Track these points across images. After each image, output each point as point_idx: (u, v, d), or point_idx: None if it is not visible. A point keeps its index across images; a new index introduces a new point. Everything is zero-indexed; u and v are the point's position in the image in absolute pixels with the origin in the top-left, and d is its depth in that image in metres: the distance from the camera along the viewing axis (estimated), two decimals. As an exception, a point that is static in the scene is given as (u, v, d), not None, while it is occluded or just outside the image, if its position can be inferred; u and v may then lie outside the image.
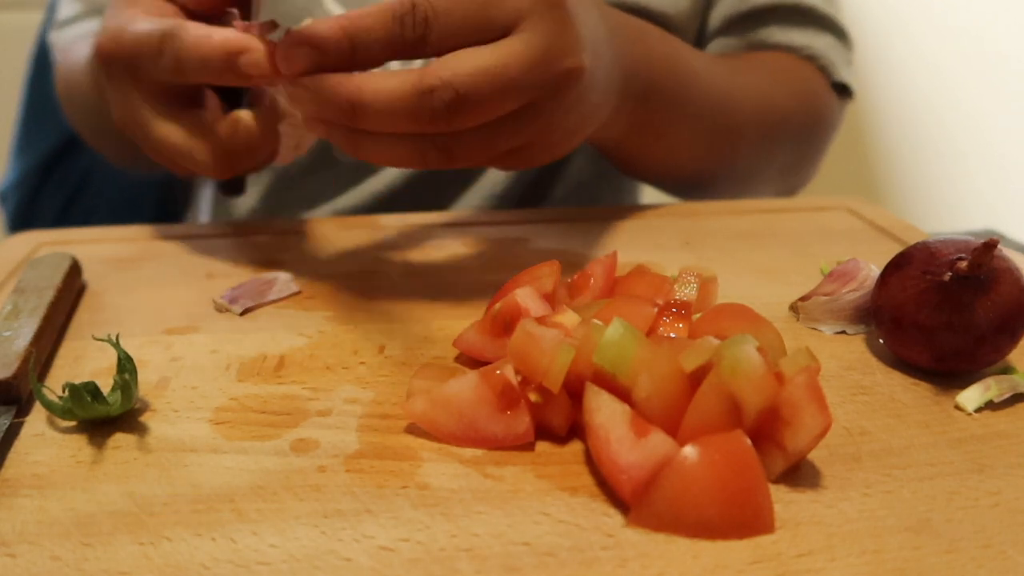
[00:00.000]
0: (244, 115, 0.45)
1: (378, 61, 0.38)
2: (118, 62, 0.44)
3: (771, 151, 0.66)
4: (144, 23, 0.43)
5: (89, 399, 0.33)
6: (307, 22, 0.38)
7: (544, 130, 0.42)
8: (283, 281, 0.47)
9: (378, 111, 0.37)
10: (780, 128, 0.64)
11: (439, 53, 0.38)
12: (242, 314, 0.44)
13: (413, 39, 0.37)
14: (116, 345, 0.35)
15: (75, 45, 0.66)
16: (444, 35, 0.37)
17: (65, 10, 0.72)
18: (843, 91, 0.70)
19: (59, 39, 0.71)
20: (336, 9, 0.64)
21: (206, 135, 0.44)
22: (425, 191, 0.68)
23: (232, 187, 0.53)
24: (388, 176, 0.68)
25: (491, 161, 0.43)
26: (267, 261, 0.51)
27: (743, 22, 0.68)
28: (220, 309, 0.45)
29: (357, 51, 0.37)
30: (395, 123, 0.38)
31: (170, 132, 0.44)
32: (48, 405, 0.34)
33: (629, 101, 0.50)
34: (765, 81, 0.63)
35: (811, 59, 0.68)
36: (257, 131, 0.45)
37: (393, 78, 0.37)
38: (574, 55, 0.40)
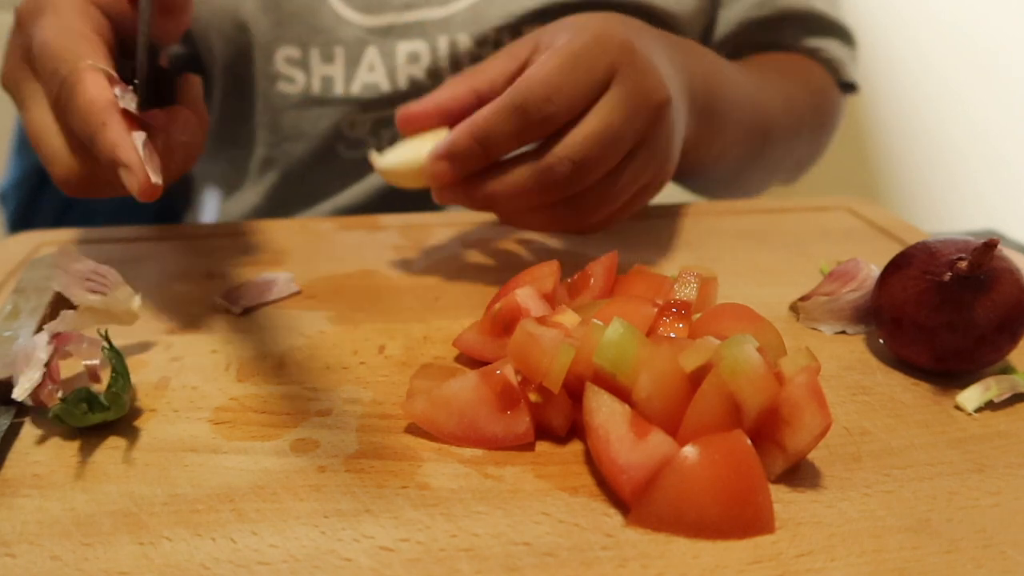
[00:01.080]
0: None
1: (510, 149, 0.43)
2: (19, 30, 0.42)
3: (793, 146, 0.69)
4: (55, 44, 0.39)
5: (84, 408, 0.33)
6: (441, 135, 0.44)
7: (656, 163, 0.46)
8: (283, 281, 0.47)
9: (512, 198, 0.44)
10: (800, 125, 0.68)
11: (560, 126, 0.42)
12: (242, 314, 0.44)
13: (539, 122, 0.42)
14: (110, 351, 0.35)
15: None
16: (563, 109, 0.42)
17: None
18: (848, 88, 0.74)
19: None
20: (342, 9, 0.63)
21: (76, 151, 0.41)
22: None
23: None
24: None
25: (622, 208, 0.47)
26: (267, 261, 0.51)
27: (757, 29, 0.69)
28: (220, 309, 0.45)
29: (488, 149, 0.42)
30: (528, 200, 0.44)
31: (45, 122, 0.41)
32: (41, 414, 0.34)
33: (693, 114, 0.52)
34: (787, 83, 0.66)
35: (822, 61, 0.71)
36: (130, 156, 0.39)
37: (516, 170, 0.43)
38: (660, 90, 0.44)
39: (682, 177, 0.65)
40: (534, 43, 0.45)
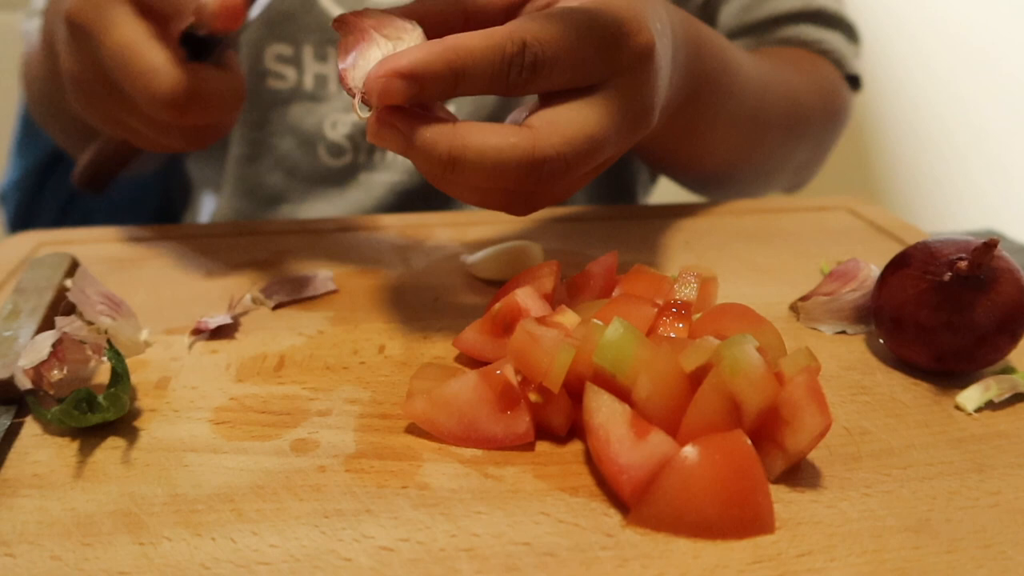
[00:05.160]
0: (215, 70, 0.43)
1: (475, 93, 0.36)
2: None
3: (794, 147, 0.67)
4: None
5: (83, 408, 0.33)
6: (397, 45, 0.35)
7: (605, 165, 0.41)
8: (321, 279, 0.47)
9: (480, 171, 0.35)
10: (804, 126, 0.66)
11: (536, 92, 0.37)
12: (275, 308, 0.45)
13: (518, 82, 0.35)
14: (110, 351, 0.35)
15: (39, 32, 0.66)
16: (547, 80, 0.36)
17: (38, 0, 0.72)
18: (853, 82, 0.72)
19: (31, 26, 0.71)
20: (334, 9, 0.64)
21: (177, 63, 0.41)
22: (431, 191, 0.68)
23: (95, 180, 0.53)
24: (394, 176, 0.67)
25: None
26: (268, 261, 0.51)
27: (759, 26, 0.68)
28: (257, 302, 0.45)
29: (459, 86, 0.34)
30: (495, 182, 0.35)
31: (143, 40, 0.40)
32: (40, 415, 0.34)
33: (675, 104, 0.49)
34: (793, 79, 0.64)
35: (824, 53, 0.69)
36: (224, 89, 0.43)
37: (499, 136, 0.35)
38: (653, 111, 0.40)
39: (656, 163, 0.63)
40: None
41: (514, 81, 0.35)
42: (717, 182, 0.67)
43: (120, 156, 0.59)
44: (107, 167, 0.60)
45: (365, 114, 0.35)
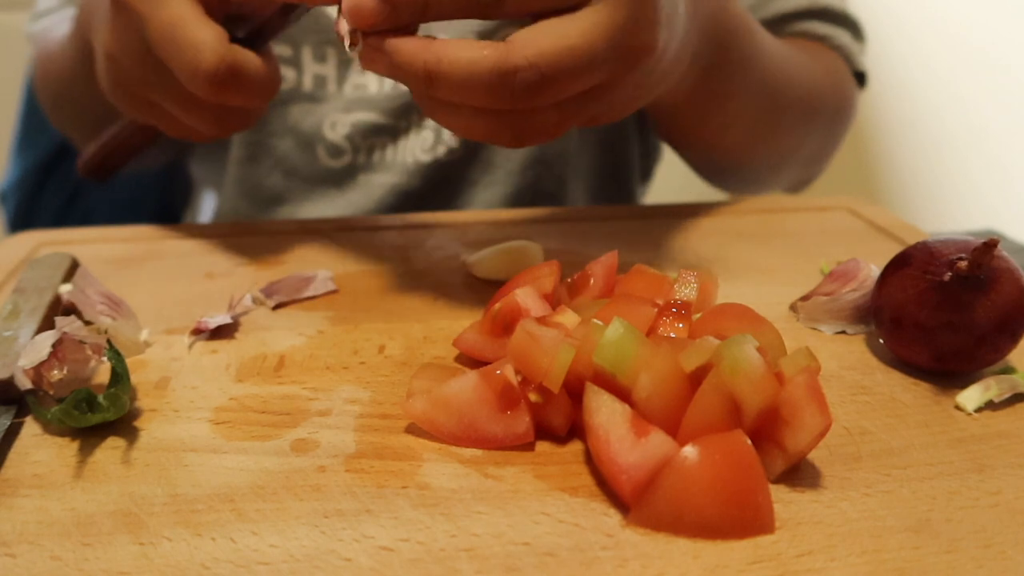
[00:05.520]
0: (255, 55, 0.43)
1: (448, 17, 0.37)
2: None
3: (806, 132, 0.66)
4: None
5: (83, 408, 0.33)
6: None
7: (611, 102, 0.41)
8: (321, 279, 0.47)
9: (454, 83, 0.35)
10: (818, 110, 0.65)
11: (514, 16, 0.37)
12: (275, 308, 0.45)
13: (489, 2, 0.35)
14: (110, 351, 0.35)
15: (57, 27, 0.66)
16: (522, 1, 0.36)
17: (44, 1, 0.72)
18: (859, 81, 0.72)
19: (37, 27, 0.71)
20: (331, 9, 0.64)
21: (226, 40, 0.42)
22: (431, 192, 0.68)
23: (101, 170, 0.53)
24: (393, 177, 0.67)
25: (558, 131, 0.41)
26: (268, 261, 0.51)
27: (767, 23, 0.68)
28: (257, 302, 0.45)
29: (429, 7, 0.35)
30: (471, 97, 0.36)
31: (193, 15, 0.42)
32: (40, 415, 0.34)
33: (699, 66, 0.49)
34: (809, 63, 0.64)
35: (834, 48, 0.69)
36: (267, 73, 0.44)
37: (473, 49, 0.35)
38: (650, 31, 0.38)
39: (673, 136, 0.63)
40: None
41: (486, 2, 0.35)
42: (732, 166, 0.66)
43: (133, 145, 0.59)
44: (116, 156, 0.60)
45: (355, 53, 0.38)
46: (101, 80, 0.49)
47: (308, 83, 0.65)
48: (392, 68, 0.37)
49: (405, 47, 0.36)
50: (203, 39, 0.41)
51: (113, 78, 0.48)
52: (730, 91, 0.55)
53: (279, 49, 0.65)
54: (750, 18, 0.54)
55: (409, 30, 0.37)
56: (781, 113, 0.61)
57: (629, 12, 0.37)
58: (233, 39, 0.44)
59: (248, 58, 0.43)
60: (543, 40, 0.35)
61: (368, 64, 0.38)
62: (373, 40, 0.37)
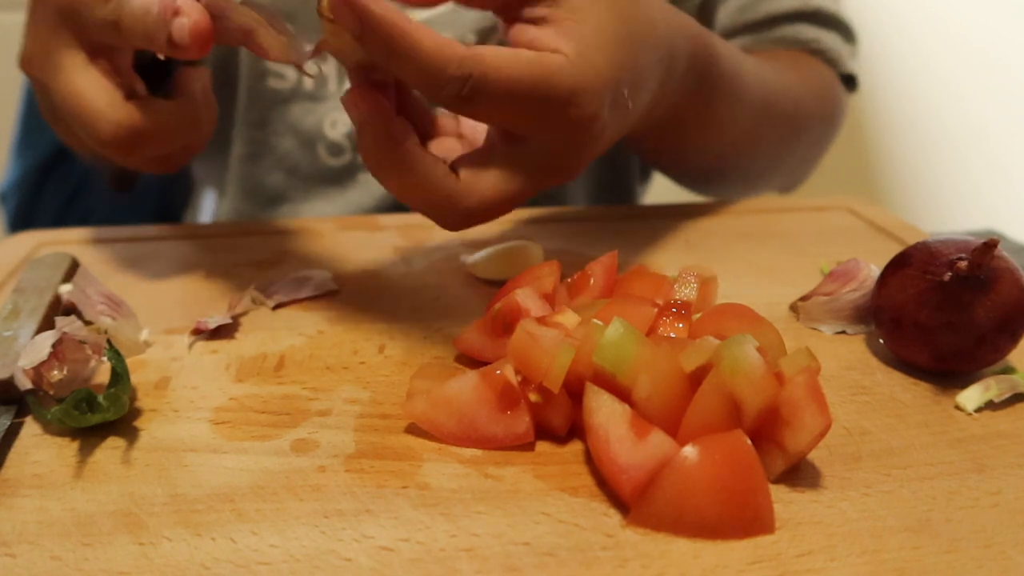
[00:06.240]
0: (164, 103, 0.43)
1: (408, 83, 0.38)
2: (55, 15, 0.42)
3: (789, 148, 0.67)
4: None
5: (83, 408, 0.33)
6: None
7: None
8: (319, 279, 0.47)
9: (406, 197, 0.37)
10: (802, 129, 0.66)
11: (465, 116, 0.37)
12: (275, 308, 0.45)
13: (450, 101, 0.36)
14: (110, 351, 0.35)
15: None
16: (479, 112, 0.37)
17: None
18: (849, 83, 0.72)
19: None
20: None
21: (119, 105, 0.41)
22: None
23: (123, 180, 0.53)
24: None
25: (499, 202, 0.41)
26: (268, 261, 0.51)
27: (756, 25, 0.68)
28: (257, 302, 0.45)
29: (391, 59, 0.35)
30: (420, 207, 0.38)
31: (87, 85, 0.41)
32: (40, 415, 0.34)
33: (674, 110, 0.49)
34: (794, 85, 0.64)
35: (820, 52, 0.69)
36: (173, 122, 0.43)
37: (429, 176, 0.37)
38: (574, 172, 0.40)
39: (652, 157, 0.63)
40: None
41: (446, 98, 0.36)
42: (711, 180, 0.67)
43: None
44: (128, 170, 0.61)
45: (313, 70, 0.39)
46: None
47: (309, 82, 0.66)
48: (364, 115, 0.37)
49: (374, 154, 0.37)
50: (97, 109, 0.41)
51: (56, 130, 0.49)
52: (706, 128, 0.55)
53: None
54: (734, 63, 0.54)
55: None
56: (760, 138, 0.62)
57: (566, 161, 0.39)
58: (150, 69, 0.43)
59: (152, 110, 0.42)
60: (487, 191, 0.38)
61: (330, 35, 0.37)
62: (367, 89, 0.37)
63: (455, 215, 0.38)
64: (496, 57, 0.35)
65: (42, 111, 0.50)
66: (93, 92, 0.41)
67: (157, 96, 0.43)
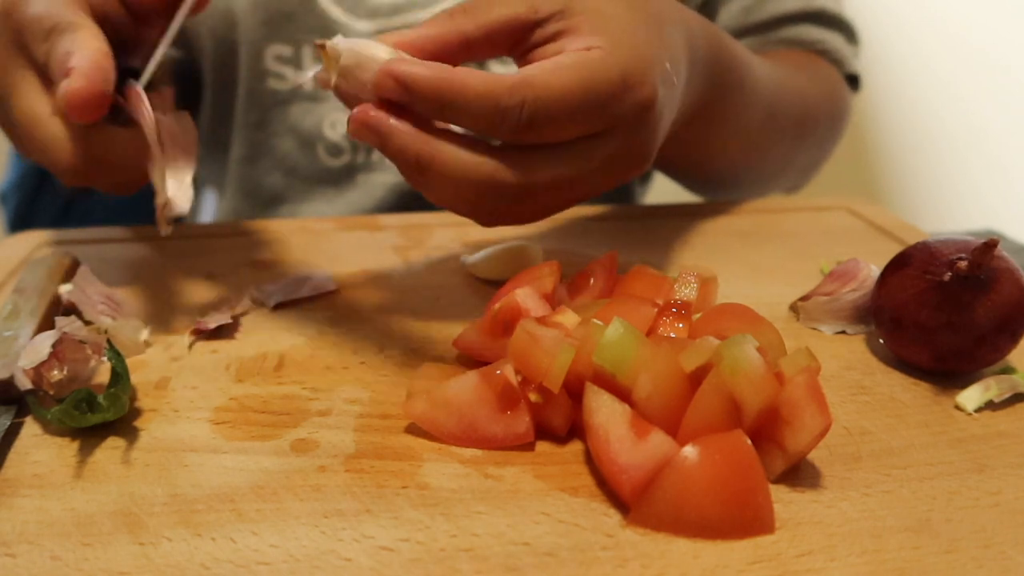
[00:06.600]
0: (120, 131, 0.41)
1: (468, 128, 0.36)
2: (4, 20, 0.41)
3: (798, 151, 0.67)
4: (49, 10, 0.40)
5: (83, 408, 0.33)
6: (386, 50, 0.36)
7: (594, 187, 0.40)
8: (321, 279, 0.47)
9: (445, 181, 0.36)
10: (811, 131, 0.66)
11: (530, 142, 0.37)
12: (275, 308, 0.45)
13: (513, 132, 0.35)
14: (110, 351, 0.35)
15: None
16: (543, 134, 0.36)
17: None
18: (853, 83, 0.72)
19: None
20: (333, 10, 0.64)
21: (74, 135, 0.40)
22: None
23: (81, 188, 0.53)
24: (393, 176, 0.67)
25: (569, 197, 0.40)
26: (268, 261, 0.51)
27: (760, 26, 0.68)
28: (256, 302, 0.45)
29: (444, 112, 0.35)
30: (458, 193, 0.36)
31: (42, 112, 0.40)
32: (40, 415, 0.34)
33: (692, 111, 0.49)
34: (804, 86, 0.64)
35: (824, 53, 0.69)
36: (130, 150, 0.41)
37: (468, 155, 0.35)
38: (648, 159, 0.39)
39: (662, 164, 0.63)
40: (562, 4, 0.38)
41: (508, 131, 0.35)
42: (721, 184, 0.67)
43: None
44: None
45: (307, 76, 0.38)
46: None
47: (309, 84, 0.66)
48: (383, 147, 0.36)
49: (399, 138, 0.35)
50: (51, 137, 0.40)
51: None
52: (718, 132, 0.55)
53: (280, 49, 0.65)
54: (746, 64, 0.54)
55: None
56: (771, 141, 0.62)
57: (636, 149, 0.38)
58: (121, 70, 0.42)
59: (110, 140, 0.41)
60: (538, 167, 0.36)
61: (356, 135, 0.36)
62: (368, 113, 0.36)
63: (496, 194, 0.36)
64: (542, 73, 0.35)
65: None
66: (47, 119, 0.40)
67: (117, 122, 0.42)
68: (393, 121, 0.35)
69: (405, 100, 0.35)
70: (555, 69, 0.35)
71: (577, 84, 0.35)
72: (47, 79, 0.41)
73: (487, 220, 0.39)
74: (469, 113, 0.35)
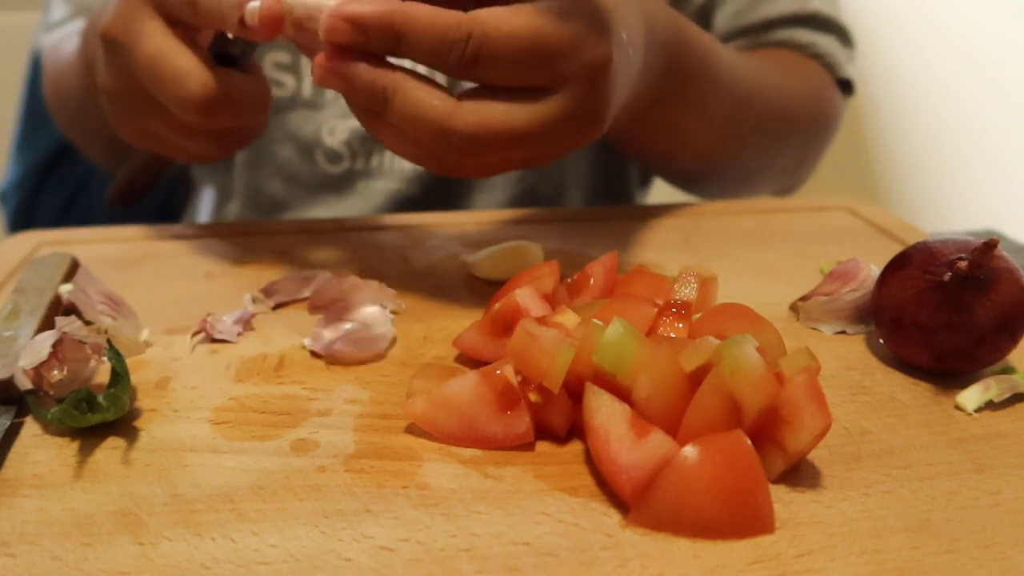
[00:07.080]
0: (242, 75, 0.44)
1: (419, 62, 0.38)
2: None
3: (778, 149, 0.66)
4: None
5: (83, 408, 0.33)
6: None
7: (541, 157, 0.42)
8: (320, 279, 0.47)
9: (400, 115, 0.37)
10: (790, 129, 0.65)
11: (475, 80, 0.38)
12: (275, 308, 0.45)
13: (457, 67, 0.37)
14: (110, 351, 0.35)
15: (64, 43, 0.66)
16: (488, 73, 0.37)
17: (55, 12, 0.72)
18: (846, 87, 0.72)
19: (48, 41, 0.71)
20: None
21: (205, 66, 0.43)
22: (430, 199, 0.68)
23: (129, 196, 0.53)
24: (392, 184, 0.67)
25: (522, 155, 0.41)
26: (268, 262, 0.51)
27: (752, 29, 0.68)
28: (257, 302, 0.45)
29: (400, 47, 0.36)
30: (413, 131, 0.38)
31: (172, 47, 0.43)
32: (40, 415, 0.34)
33: (652, 96, 0.49)
34: (783, 82, 0.64)
35: (816, 57, 0.69)
36: (250, 93, 0.44)
37: (425, 94, 0.37)
38: (601, 122, 0.40)
39: (634, 150, 0.63)
40: None
41: (452, 65, 0.36)
42: (698, 179, 0.67)
43: (150, 172, 0.60)
44: (139, 183, 0.61)
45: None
46: (106, 113, 0.50)
47: (307, 89, 0.66)
48: (349, 85, 0.37)
49: (364, 71, 0.37)
50: (186, 69, 0.42)
51: (113, 113, 0.49)
52: (683, 120, 0.55)
53: (279, 56, 0.65)
54: (711, 52, 0.54)
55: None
56: (745, 134, 0.61)
57: (588, 110, 0.39)
58: (218, 56, 0.44)
59: (233, 79, 0.43)
60: (488, 115, 0.37)
61: (322, 81, 0.38)
62: (333, 57, 0.37)
63: (445, 139, 0.37)
64: (492, 14, 0.36)
65: (95, 91, 0.50)
66: (178, 53, 0.42)
67: None
68: (354, 62, 0.37)
69: (360, 40, 0.36)
70: (506, 13, 0.36)
71: (527, 30, 0.36)
72: (173, 19, 0.43)
73: (438, 167, 0.40)
74: (419, 45, 0.36)
